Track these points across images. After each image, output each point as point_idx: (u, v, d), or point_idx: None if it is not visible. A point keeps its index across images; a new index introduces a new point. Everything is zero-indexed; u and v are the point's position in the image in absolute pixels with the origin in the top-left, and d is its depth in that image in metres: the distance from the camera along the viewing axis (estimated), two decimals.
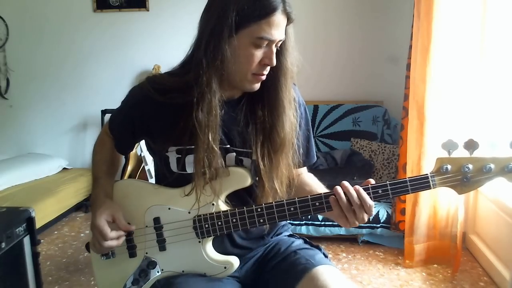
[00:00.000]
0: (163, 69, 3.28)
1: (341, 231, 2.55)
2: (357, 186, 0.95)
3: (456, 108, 2.13)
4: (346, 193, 0.94)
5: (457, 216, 2.19)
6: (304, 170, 1.18)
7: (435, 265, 2.35)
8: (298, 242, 1.16)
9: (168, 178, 1.05)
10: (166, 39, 3.41)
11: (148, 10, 3.42)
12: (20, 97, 3.64)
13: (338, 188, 0.95)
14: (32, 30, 3.55)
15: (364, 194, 0.94)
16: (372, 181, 0.97)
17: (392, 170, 2.82)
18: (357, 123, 3.07)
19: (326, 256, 1.10)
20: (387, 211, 2.52)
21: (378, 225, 2.50)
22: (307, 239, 1.18)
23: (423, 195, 2.24)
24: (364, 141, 2.98)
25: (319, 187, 1.12)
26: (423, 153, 2.20)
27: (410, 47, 2.33)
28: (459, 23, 2.06)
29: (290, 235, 1.22)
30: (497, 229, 2.22)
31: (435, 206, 2.29)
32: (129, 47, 3.49)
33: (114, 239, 1.00)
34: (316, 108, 3.13)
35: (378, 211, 2.51)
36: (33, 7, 3.51)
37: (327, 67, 3.23)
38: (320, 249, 1.13)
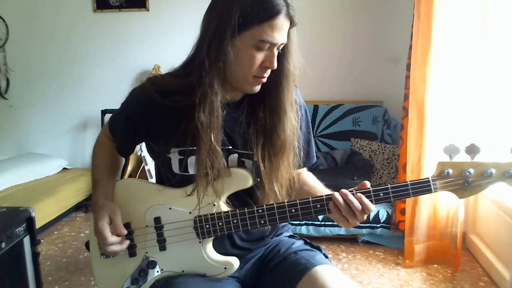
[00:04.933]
0: (163, 69, 3.29)
1: (341, 231, 2.56)
2: (359, 194, 0.94)
3: (456, 108, 2.13)
4: (346, 200, 0.94)
5: (457, 216, 2.19)
6: (303, 170, 1.18)
7: (435, 265, 2.35)
8: (299, 243, 1.16)
9: (170, 179, 1.05)
10: (166, 39, 3.41)
11: (148, 10, 3.42)
12: (20, 97, 3.64)
13: (337, 195, 0.95)
14: (32, 30, 3.55)
15: (366, 201, 0.94)
16: (368, 183, 0.97)
17: (392, 170, 2.82)
18: (357, 123, 3.07)
19: (326, 257, 1.10)
20: (387, 211, 2.52)
21: (378, 225, 2.50)
22: (308, 240, 1.18)
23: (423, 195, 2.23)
24: (364, 141, 2.98)
25: (318, 187, 1.12)
26: (423, 153, 2.20)
27: (410, 47, 2.33)
28: (459, 23, 2.06)
29: (290, 236, 1.22)
30: (497, 229, 2.22)
31: (435, 206, 2.29)
32: (129, 47, 3.49)
33: (115, 243, 1.00)
34: (316, 108, 3.13)
35: (378, 211, 2.51)
36: (33, 7, 3.51)
37: (327, 67, 3.23)
38: (320, 250, 1.13)
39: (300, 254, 1.08)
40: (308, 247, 1.14)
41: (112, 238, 0.99)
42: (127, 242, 1.02)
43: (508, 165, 0.93)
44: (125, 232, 1.01)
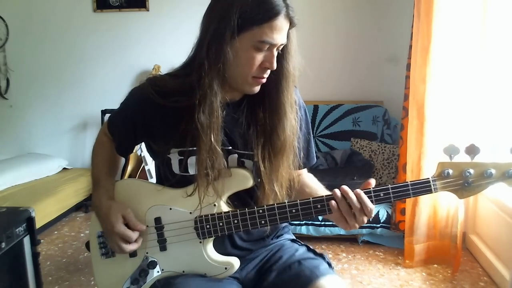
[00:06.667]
0: (163, 69, 3.29)
1: (341, 231, 2.55)
2: (358, 190, 0.94)
3: (456, 108, 2.13)
4: (346, 197, 0.94)
5: (457, 216, 2.19)
6: (304, 171, 1.18)
7: (435, 265, 2.35)
8: (302, 251, 1.14)
9: (170, 179, 1.05)
10: (166, 39, 3.41)
11: (148, 10, 3.42)
12: (20, 97, 3.64)
13: (337, 191, 0.95)
14: (32, 30, 3.55)
15: (365, 198, 0.94)
16: (373, 182, 0.97)
17: (392, 170, 2.82)
18: (357, 123, 3.07)
19: (330, 265, 1.09)
20: (387, 211, 2.52)
21: (378, 225, 2.51)
22: (310, 247, 1.17)
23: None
24: (364, 141, 2.98)
25: (319, 188, 1.12)
26: (423, 153, 2.20)
27: (410, 47, 2.33)
28: (459, 23, 2.06)
29: (292, 240, 1.21)
30: (497, 229, 2.22)
31: (435, 206, 2.29)
32: (129, 47, 3.49)
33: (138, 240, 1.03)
34: (316, 108, 3.13)
35: (378, 211, 2.51)
36: (33, 7, 3.51)
37: (327, 67, 3.23)
38: (324, 258, 1.11)
39: (304, 264, 1.07)
40: (311, 254, 1.12)
41: (135, 235, 1.01)
42: (141, 239, 1.04)
43: (508, 165, 0.93)
44: (144, 227, 1.03)
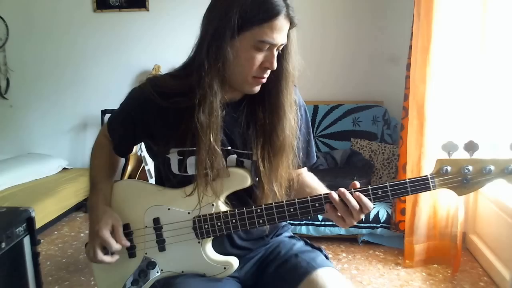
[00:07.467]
0: (163, 69, 3.29)
1: (341, 231, 2.56)
2: (357, 193, 0.95)
3: (456, 108, 2.13)
4: (344, 199, 0.94)
5: (457, 216, 2.19)
6: (304, 170, 1.18)
7: (435, 265, 2.35)
8: (299, 245, 1.15)
9: (170, 180, 1.05)
10: (166, 39, 3.41)
11: (148, 10, 3.42)
12: (20, 97, 3.64)
13: (334, 194, 0.96)
14: (32, 30, 3.55)
15: (365, 199, 0.94)
16: (357, 184, 0.97)
17: (392, 170, 2.82)
18: (357, 123, 3.07)
19: (327, 258, 1.10)
20: (387, 211, 2.52)
21: (378, 225, 2.50)
22: (308, 241, 1.18)
23: (423, 195, 2.24)
24: (364, 141, 2.98)
25: (319, 188, 1.12)
26: (423, 153, 2.20)
27: (410, 47, 2.33)
28: (459, 23, 2.06)
29: (290, 237, 1.22)
30: (497, 229, 2.22)
31: (435, 206, 2.29)
32: (129, 47, 3.49)
33: (113, 253, 1.02)
34: (316, 108, 3.13)
35: (378, 211, 2.51)
36: (33, 7, 3.52)
37: (327, 67, 3.23)
38: (321, 251, 1.12)
39: (301, 256, 1.08)
40: (309, 248, 1.14)
41: (116, 246, 1.00)
42: (117, 257, 1.03)
43: (507, 161, 0.92)
44: (128, 244, 1.03)
